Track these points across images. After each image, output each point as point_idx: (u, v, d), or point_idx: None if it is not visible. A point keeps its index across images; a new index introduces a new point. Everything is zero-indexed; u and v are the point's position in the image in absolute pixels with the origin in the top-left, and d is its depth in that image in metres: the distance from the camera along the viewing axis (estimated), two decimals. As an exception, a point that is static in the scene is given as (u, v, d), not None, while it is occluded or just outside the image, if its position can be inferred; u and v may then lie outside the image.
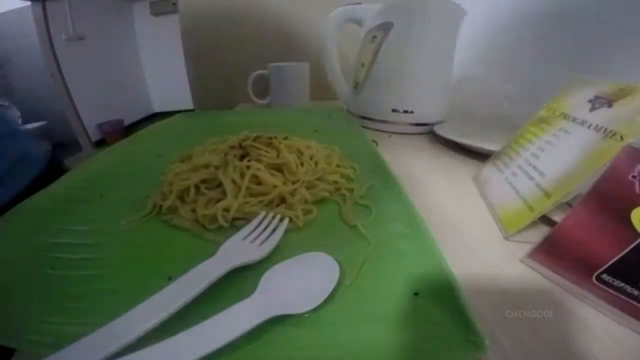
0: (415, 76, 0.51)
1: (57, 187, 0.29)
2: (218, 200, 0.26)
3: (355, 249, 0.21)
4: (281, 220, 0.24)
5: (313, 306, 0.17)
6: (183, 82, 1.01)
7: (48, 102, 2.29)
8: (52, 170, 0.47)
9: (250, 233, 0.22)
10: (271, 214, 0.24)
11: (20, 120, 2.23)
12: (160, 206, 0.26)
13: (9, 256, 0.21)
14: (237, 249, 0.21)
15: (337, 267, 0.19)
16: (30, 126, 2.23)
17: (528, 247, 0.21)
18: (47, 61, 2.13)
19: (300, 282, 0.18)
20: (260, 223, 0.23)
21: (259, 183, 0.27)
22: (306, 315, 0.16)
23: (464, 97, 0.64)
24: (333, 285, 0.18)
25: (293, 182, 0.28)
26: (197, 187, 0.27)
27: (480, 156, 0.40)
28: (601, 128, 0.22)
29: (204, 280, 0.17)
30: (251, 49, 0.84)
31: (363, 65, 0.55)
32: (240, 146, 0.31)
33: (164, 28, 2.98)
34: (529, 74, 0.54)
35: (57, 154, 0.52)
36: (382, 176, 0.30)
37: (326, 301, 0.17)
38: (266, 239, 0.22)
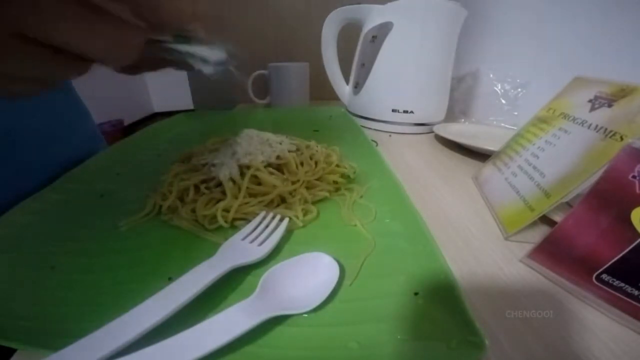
0: (415, 76, 0.51)
1: (58, 186, 0.29)
2: (218, 201, 0.26)
3: (355, 249, 0.21)
4: (281, 220, 0.24)
5: (313, 306, 0.17)
6: (183, 82, 1.01)
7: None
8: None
9: (250, 233, 0.22)
10: (271, 214, 0.24)
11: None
12: (160, 206, 0.26)
13: (9, 256, 0.21)
14: (237, 249, 0.21)
15: (336, 267, 0.19)
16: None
17: (528, 247, 0.21)
18: (47, 61, 2.12)
19: (300, 282, 0.18)
20: (260, 223, 0.23)
21: (259, 183, 0.27)
22: (306, 315, 0.16)
23: (463, 97, 0.64)
24: (333, 285, 0.18)
25: (293, 182, 0.28)
26: (196, 187, 0.27)
27: (480, 156, 0.40)
28: (601, 128, 0.22)
29: (203, 280, 0.17)
30: (251, 49, 0.84)
31: (363, 65, 0.55)
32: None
33: (164, 28, 2.98)
34: (529, 74, 0.54)
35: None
36: (382, 176, 0.30)
37: (326, 301, 0.17)
38: (266, 239, 0.22)
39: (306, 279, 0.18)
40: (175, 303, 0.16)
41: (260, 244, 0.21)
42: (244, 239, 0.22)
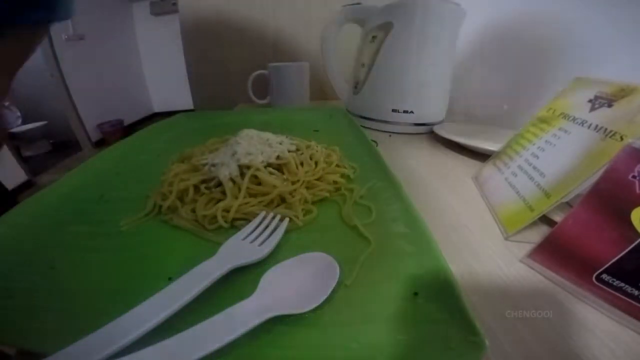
0: (415, 76, 0.51)
1: (58, 186, 0.29)
2: (218, 201, 0.26)
3: (355, 249, 0.21)
4: (281, 220, 0.24)
5: (313, 306, 0.17)
6: (183, 82, 1.01)
7: (48, 102, 2.30)
8: None
9: (250, 233, 0.22)
10: (271, 214, 0.24)
11: (20, 121, 2.24)
12: (160, 206, 0.26)
13: (8, 256, 0.21)
14: (237, 249, 0.21)
15: (336, 267, 0.19)
16: (30, 126, 2.24)
17: (528, 247, 0.21)
18: (47, 61, 2.12)
19: (300, 282, 0.18)
20: (260, 223, 0.23)
21: (259, 183, 0.27)
22: (306, 315, 0.16)
23: (464, 97, 0.64)
24: (333, 285, 0.18)
25: (293, 182, 0.28)
26: (196, 187, 0.27)
27: (480, 156, 0.40)
28: (601, 128, 0.22)
29: (203, 280, 0.17)
30: (251, 49, 0.84)
31: (363, 65, 0.55)
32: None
33: (164, 28, 2.99)
34: (529, 74, 0.54)
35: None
36: (382, 176, 0.30)
37: (326, 301, 0.17)
38: (266, 239, 0.22)
39: (306, 279, 0.18)
40: (175, 303, 0.16)
41: (261, 244, 0.21)
42: (244, 239, 0.22)
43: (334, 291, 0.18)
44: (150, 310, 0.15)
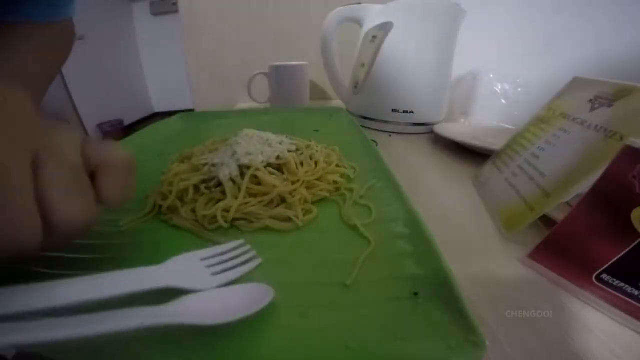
0: (415, 76, 0.51)
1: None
2: (218, 201, 0.26)
3: (355, 249, 0.21)
4: (252, 257, 0.21)
5: (227, 320, 0.15)
6: (183, 82, 1.01)
7: (48, 102, 2.30)
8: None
9: (213, 257, 0.20)
10: (247, 247, 0.22)
11: None
12: (160, 206, 0.26)
13: (3, 259, 0.21)
14: (188, 269, 0.19)
15: (271, 292, 0.17)
16: (30, 126, 2.24)
17: (528, 247, 0.21)
18: (47, 61, 2.12)
19: (224, 302, 0.17)
20: (230, 251, 0.21)
21: (259, 183, 0.27)
22: (306, 315, 0.16)
23: (464, 96, 0.64)
24: (262, 306, 0.16)
25: (293, 182, 0.28)
26: (196, 187, 0.27)
27: (480, 156, 0.40)
28: (601, 128, 0.22)
29: (132, 286, 0.16)
30: (251, 49, 0.84)
31: (363, 65, 0.55)
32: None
33: (164, 28, 2.99)
34: (529, 74, 0.54)
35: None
36: (382, 176, 0.30)
37: (326, 301, 0.17)
38: (224, 270, 0.19)
39: (233, 300, 0.17)
40: (91, 295, 0.15)
41: (217, 273, 0.19)
42: (203, 259, 0.20)
43: (333, 291, 0.18)
44: (59, 290, 0.15)
